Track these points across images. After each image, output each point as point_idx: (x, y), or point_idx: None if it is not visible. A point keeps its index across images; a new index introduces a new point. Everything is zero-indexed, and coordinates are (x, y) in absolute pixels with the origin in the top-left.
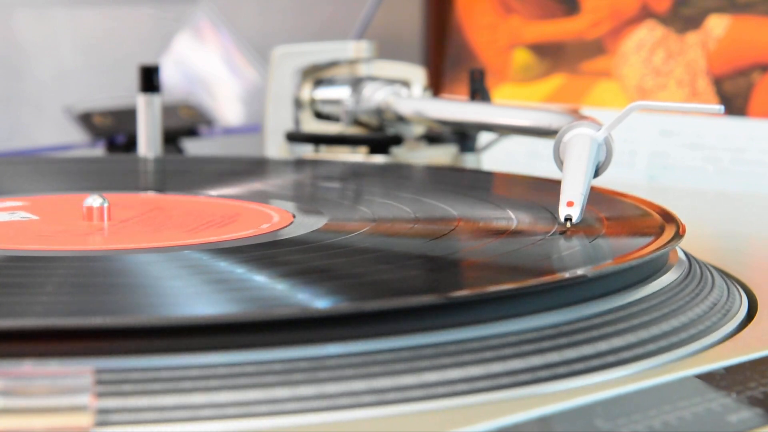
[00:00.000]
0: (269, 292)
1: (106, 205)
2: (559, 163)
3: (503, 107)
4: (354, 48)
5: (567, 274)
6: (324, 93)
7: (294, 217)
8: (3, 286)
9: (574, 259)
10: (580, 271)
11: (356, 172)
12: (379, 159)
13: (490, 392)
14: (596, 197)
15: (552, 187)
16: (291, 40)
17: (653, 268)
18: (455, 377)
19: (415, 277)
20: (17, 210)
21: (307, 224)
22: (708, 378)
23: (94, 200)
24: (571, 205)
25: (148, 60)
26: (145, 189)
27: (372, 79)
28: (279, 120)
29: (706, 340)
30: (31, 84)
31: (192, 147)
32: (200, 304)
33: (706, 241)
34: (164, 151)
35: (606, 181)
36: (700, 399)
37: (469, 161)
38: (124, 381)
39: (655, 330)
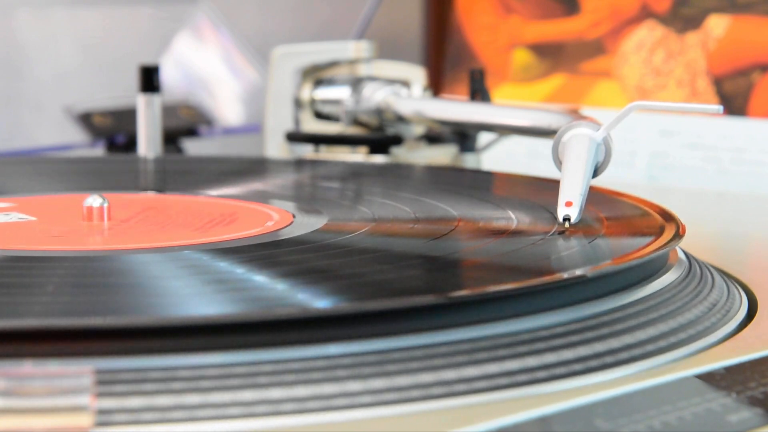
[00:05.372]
0: (269, 292)
1: (106, 205)
2: (558, 163)
3: (503, 107)
4: (354, 48)
5: (566, 275)
6: (324, 93)
7: (294, 217)
8: (3, 286)
9: (574, 259)
10: (579, 272)
11: (356, 172)
12: (379, 159)
13: (489, 392)
14: (596, 197)
15: (552, 187)
16: (291, 40)
17: (653, 269)
18: (455, 377)
19: (415, 277)
20: (11, 211)
21: (307, 224)
22: (708, 378)
23: (94, 200)
24: (569, 205)
25: (148, 60)
26: (145, 189)
27: (372, 79)
28: (279, 120)
29: (706, 340)
30: (31, 84)
31: (192, 147)
32: (200, 304)
33: (706, 241)
34: (164, 151)
35: (606, 181)
36: (700, 399)
37: (469, 161)
38: (124, 381)
39: (655, 330)
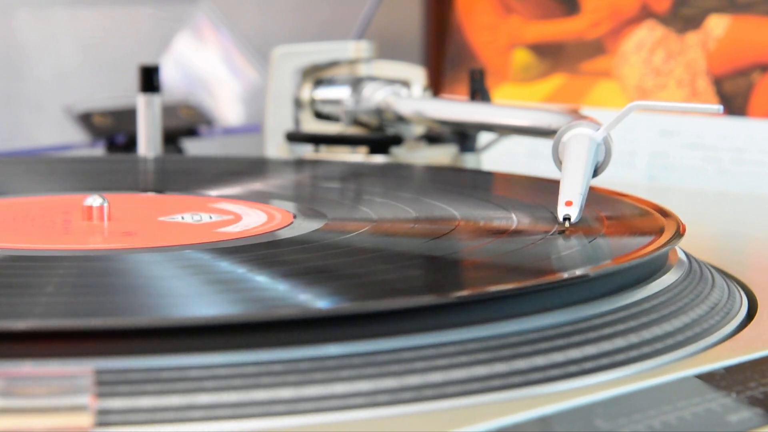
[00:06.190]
0: (270, 293)
1: (106, 205)
2: (558, 163)
3: (503, 107)
4: (354, 48)
5: (566, 275)
6: (324, 93)
7: (294, 217)
8: (3, 286)
9: (574, 259)
10: (579, 272)
11: (356, 172)
12: (379, 159)
13: (490, 392)
14: (596, 197)
15: (552, 186)
16: (291, 40)
17: (653, 268)
18: (454, 378)
19: (416, 277)
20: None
21: (307, 224)
22: (708, 378)
23: (94, 200)
24: (569, 205)
25: (148, 60)
26: (145, 189)
27: (372, 79)
28: (279, 120)
29: (706, 340)
30: (31, 84)
31: (192, 147)
32: (200, 304)
33: (706, 241)
34: (164, 151)
35: (606, 181)
36: (700, 399)
37: (469, 161)
38: (124, 381)
39: (655, 330)
